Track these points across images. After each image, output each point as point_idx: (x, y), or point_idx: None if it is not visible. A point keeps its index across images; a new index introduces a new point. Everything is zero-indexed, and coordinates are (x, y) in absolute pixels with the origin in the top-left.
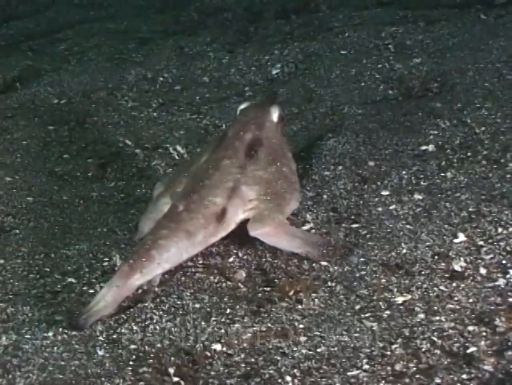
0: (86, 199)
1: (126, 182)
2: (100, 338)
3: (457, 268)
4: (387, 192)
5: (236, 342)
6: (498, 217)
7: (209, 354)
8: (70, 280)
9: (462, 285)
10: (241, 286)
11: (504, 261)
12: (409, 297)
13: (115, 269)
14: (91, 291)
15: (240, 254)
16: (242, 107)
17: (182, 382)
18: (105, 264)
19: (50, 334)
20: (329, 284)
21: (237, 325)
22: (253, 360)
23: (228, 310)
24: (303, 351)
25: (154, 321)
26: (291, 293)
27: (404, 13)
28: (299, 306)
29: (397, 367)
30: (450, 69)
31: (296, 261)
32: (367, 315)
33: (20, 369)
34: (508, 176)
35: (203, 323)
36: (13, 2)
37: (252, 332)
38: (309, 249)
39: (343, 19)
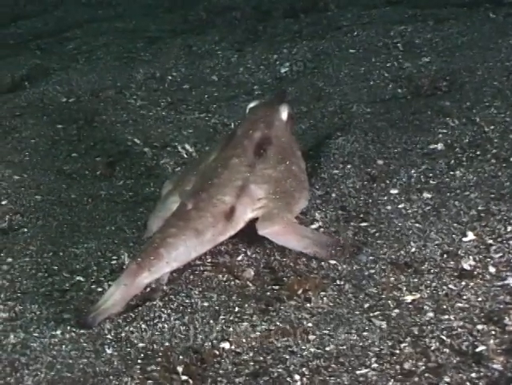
0: (94, 197)
1: (134, 180)
2: (108, 336)
3: (466, 266)
4: (396, 191)
5: (244, 340)
6: (507, 216)
7: (217, 353)
8: (78, 278)
9: (471, 283)
10: (250, 285)
11: None
12: (418, 295)
13: (124, 268)
14: (100, 289)
15: (248, 253)
16: (251, 105)
17: (191, 381)
18: (113, 262)
19: (59, 332)
20: (338, 282)
21: (245, 323)
22: (261, 358)
23: (236, 309)
24: (312, 350)
25: (162, 319)
26: (300, 291)
27: (412, 11)
28: (308, 305)
29: (406, 366)
30: (459, 68)
31: (305, 259)
32: (375, 314)
33: (28, 367)
34: None
35: (211, 322)
36: (21, 2)
37: (260, 330)
38: (317, 249)
39: (351, 18)
